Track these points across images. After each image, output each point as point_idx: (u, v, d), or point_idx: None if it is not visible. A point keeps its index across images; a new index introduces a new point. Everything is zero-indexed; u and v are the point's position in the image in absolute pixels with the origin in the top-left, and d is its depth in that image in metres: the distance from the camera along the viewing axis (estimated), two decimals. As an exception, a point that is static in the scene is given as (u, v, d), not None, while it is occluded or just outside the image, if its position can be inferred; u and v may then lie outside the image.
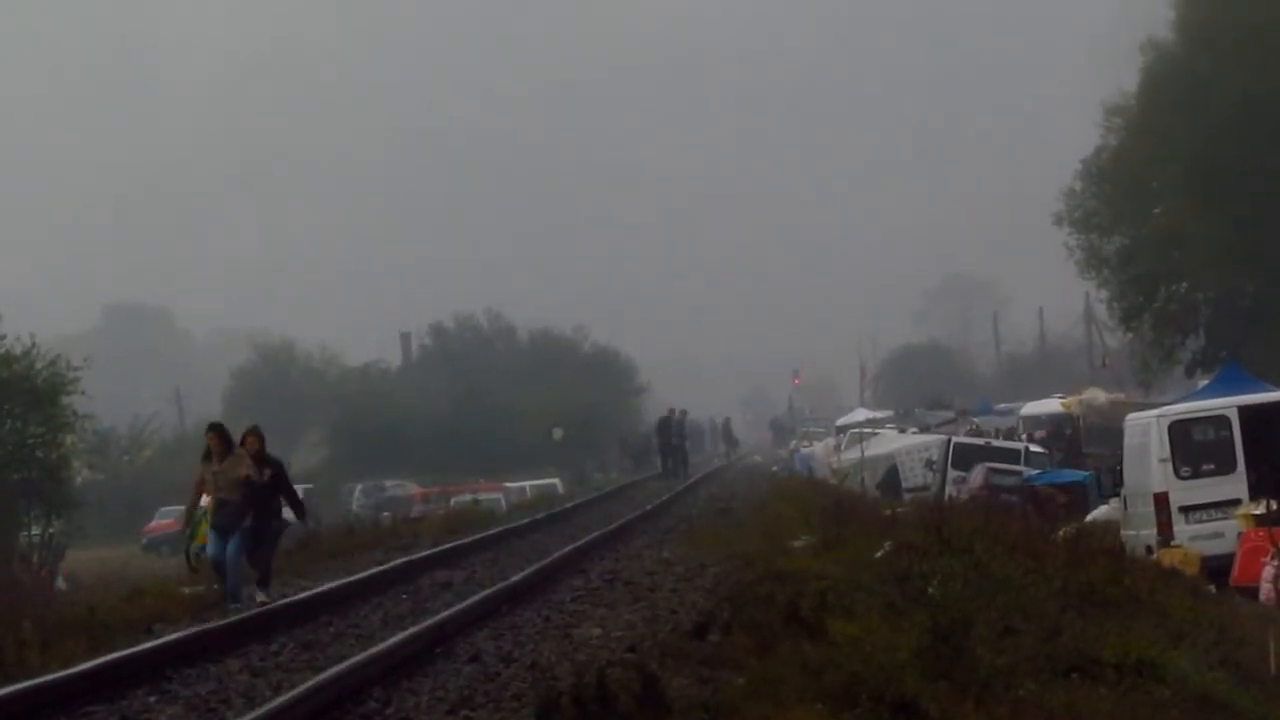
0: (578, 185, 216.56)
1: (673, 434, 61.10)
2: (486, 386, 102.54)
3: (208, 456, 21.63)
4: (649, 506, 38.24)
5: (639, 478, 64.72)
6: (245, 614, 19.14)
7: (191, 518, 22.43)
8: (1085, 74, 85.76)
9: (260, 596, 21.10)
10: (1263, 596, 23.25)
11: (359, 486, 79.87)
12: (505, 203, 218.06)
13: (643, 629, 16.51)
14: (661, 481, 56.41)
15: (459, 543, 29.33)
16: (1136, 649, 15.37)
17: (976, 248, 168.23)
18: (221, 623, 18.19)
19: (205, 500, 22.03)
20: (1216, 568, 24.84)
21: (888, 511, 30.62)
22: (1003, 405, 72.84)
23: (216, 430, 22.05)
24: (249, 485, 21.31)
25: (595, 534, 29.47)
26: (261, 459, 21.87)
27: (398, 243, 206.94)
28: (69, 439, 46.11)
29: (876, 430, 60.67)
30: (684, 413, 63.88)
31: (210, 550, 21.50)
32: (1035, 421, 60.89)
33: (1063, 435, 53.22)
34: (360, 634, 17.63)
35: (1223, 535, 25.81)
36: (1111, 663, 14.81)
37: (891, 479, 50.03)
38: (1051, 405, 65.29)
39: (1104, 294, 60.58)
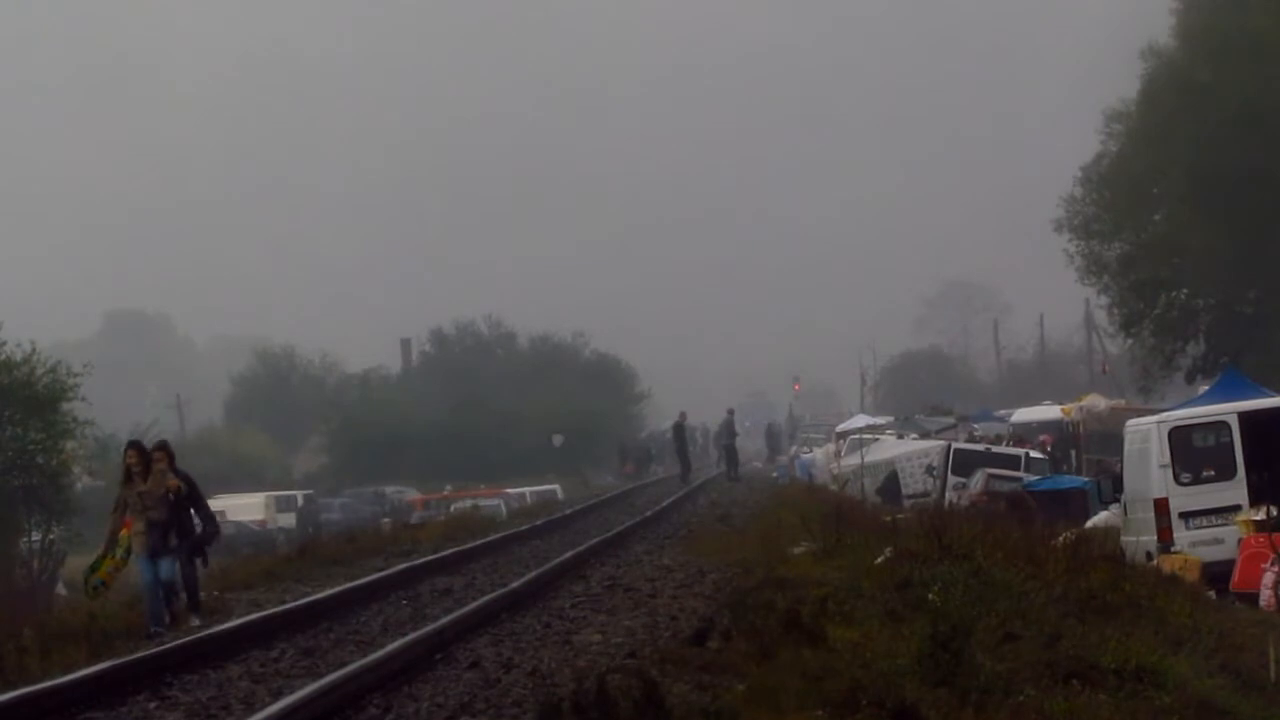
0: (578, 191, 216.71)
1: (723, 435, 61.79)
2: (487, 392, 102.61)
3: (128, 478, 20.91)
4: (649, 513, 38.23)
5: (639, 483, 64.74)
6: (198, 634, 18.31)
7: (114, 543, 21.36)
8: (1086, 81, 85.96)
9: (193, 620, 20.35)
10: (1263, 602, 23.25)
11: (337, 502, 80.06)
12: (506, 209, 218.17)
13: (643, 635, 16.51)
14: (663, 486, 56.45)
15: (459, 549, 29.33)
16: (1137, 655, 15.38)
17: (977, 254, 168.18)
18: (222, 627, 18.18)
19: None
20: (1217, 574, 24.82)
21: (888, 518, 30.61)
22: (1002, 411, 72.89)
23: (137, 448, 21.28)
24: (174, 500, 20.75)
25: (595, 540, 29.47)
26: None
27: (399, 249, 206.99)
28: (69, 445, 46.15)
29: (877, 436, 60.66)
30: (731, 412, 64.17)
31: (146, 577, 20.66)
32: (1027, 428, 60.94)
33: (1065, 440, 53.16)
34: (361, 640, 17.62)
35: (1223, 541, 25.78)
36: (1112, 669, 14.83)
37: (891, 485, 50.02)
38: (1043, 411, 65.35)
39: (1104, 300, 60.69)
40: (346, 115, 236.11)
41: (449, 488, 76.41)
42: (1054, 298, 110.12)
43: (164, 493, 20.78)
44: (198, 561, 21.33)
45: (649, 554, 27.19)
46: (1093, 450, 47.98)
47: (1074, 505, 36.08)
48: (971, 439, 54.29)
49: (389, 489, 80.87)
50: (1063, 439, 53.25)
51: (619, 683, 12.38)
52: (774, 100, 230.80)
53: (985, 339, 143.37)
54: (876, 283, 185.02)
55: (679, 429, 60.84)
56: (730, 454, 60.95)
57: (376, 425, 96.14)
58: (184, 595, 20.96)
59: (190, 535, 21.21)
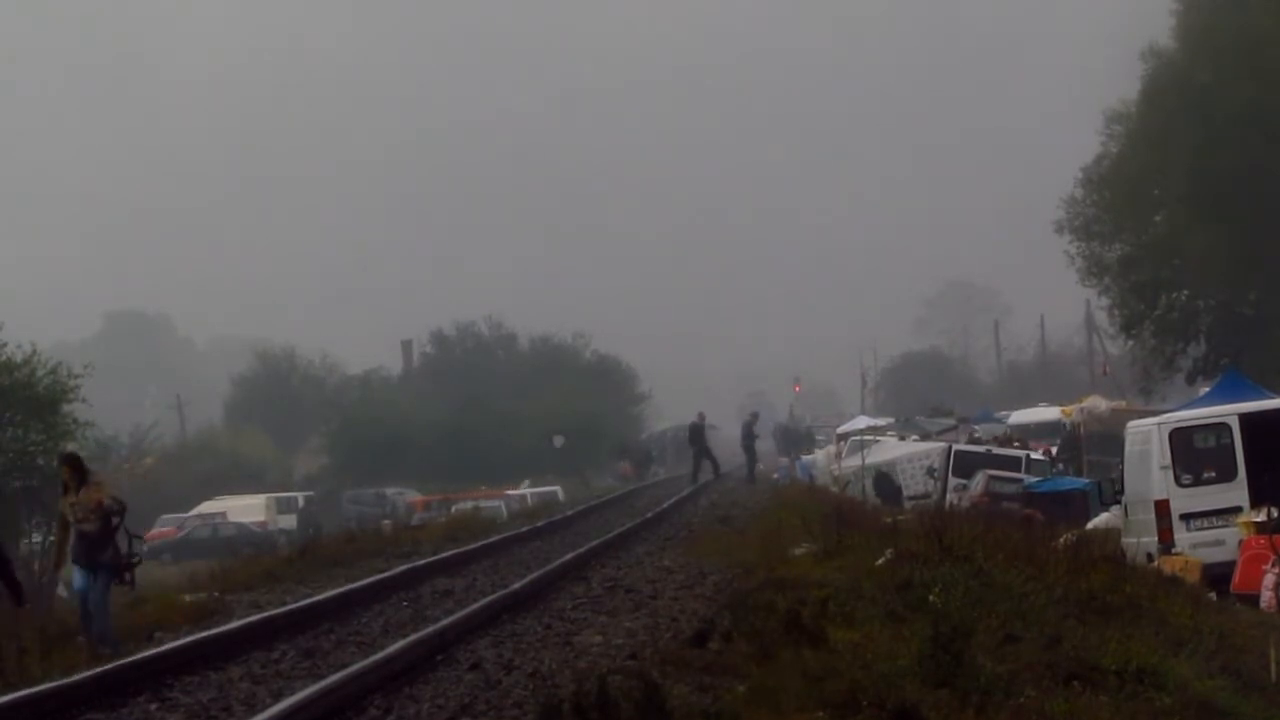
0: (579, 194, 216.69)
1: (742, 436, 61.65)
2: (487, 394, 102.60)
3: (66, 489, 20.63)
4: (649, 514, 38.21)
5: (641, 485, 64.76)
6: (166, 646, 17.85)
7: (63, 554, 21.04)
8: (1086, 81, 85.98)
9: (102, 649, 19.24)
10: (1263, 604, 23.24)
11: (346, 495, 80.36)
12: (507, 210, 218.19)
13: (644, 637, 16.52)
14: (663, 488, 56.42)
15: (460, 550, 29.33)
16: (1137, 656, 15.37)
17: (977, 255, 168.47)
18: (223, 629, 18.18)
19: None
20: (1217, 575, 24.80)
21: (888, 519, 30.61)
22: (1003, 412, 72.97)
23: (68, 462, 21.01)
24: (106, 514, 20.36)
25: (596, 541, 29.47)
26: None
27: (399, 250, 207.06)
28: (70, 446, 46.09)
29: (878, 437, 60.65)
30: (755, 415, 64.14)
31: (76, 585, 20.39)
32: (1024, 429, 60.93)
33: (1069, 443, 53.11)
34: (361, 641, 17.63)
35: (1223, 543, 25.76)
36: (1112, 670, 14.81)
37: (883, 484, 50.11)
38: (1041, 413, 65.38)
39: (1105, 301, 60.71)
40: (348, 116, 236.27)
41: (527, 482, 76.83)
42: (1055, 299, 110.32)
43: (95, 504, 20.37)
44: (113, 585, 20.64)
45: (650, 555, 27.20)
46: (1093, 452, 47.96)
47: (1075, 506, 36.10)
48: (972, 440, 54.28)
49: (389, 490, 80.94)
50: (1065, 441, 53.22)
51: (620, 684, 12.38)
52: (775, 101, 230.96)
53: (986, 340, 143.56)
54: (877, 283, 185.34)
55: (696, 430, 60.50)
56: (750, 455, 60.97)
57: (377, 426, 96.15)
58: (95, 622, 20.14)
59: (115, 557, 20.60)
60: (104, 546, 20.38)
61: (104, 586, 20.31)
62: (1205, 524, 26.25)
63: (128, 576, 21.01)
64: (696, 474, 57.42)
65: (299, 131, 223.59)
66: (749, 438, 61.04)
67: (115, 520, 20.58)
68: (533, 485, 76.10)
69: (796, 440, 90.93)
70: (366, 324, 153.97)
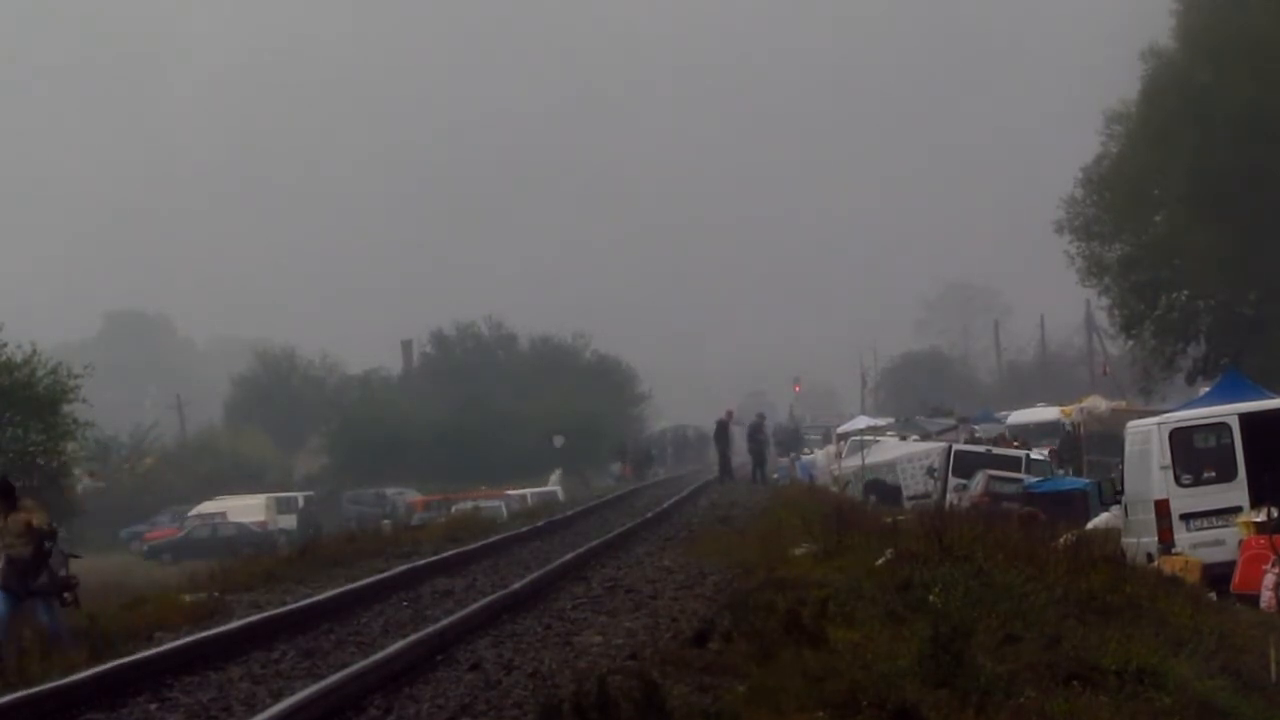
0: (579, 194, 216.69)
1: (751, 437, 62.02)
2: (487, 394, 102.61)
3: None
4: (649, 514, 38.22)
5: (639, 485, 64.77)
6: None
7: None
8: (1086, 82, 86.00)
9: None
10: (1263, 604, 23.25)
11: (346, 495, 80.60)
12: (507, 209, 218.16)
13: (644, 637, 16.51)
14: (663, 488, 56.50)
15: (460, 550, 29.32)
16: (1137, 656, 15.37)
17: (977, 255, 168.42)
18: (223, 629, 18.18)
19: None
20: (1217, 575, 24.82)
21: (889, 519, 30.61)
22: (1002, 413, 72.95)
23: None
24: (40, 537, 20.22)
25: (596, 541, 29.47)
26: None
27: (399, 249, 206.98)
28: (70, 447, 46.16)
29: (877, 437, 60.67)
30: (761, 416, 64.48)
31: (1, 612, 20.21)
32: (1024, 429, 60.93)
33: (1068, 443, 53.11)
34: (361, 641, 17.62)
35: (1223, 543, 25.77)
36: (1112, 670, 14.81)
37: (875, 486, 50.15)
38: (1039, 413, 65.35)
39: (1105, 301, 60.73)
40: (347, 116, 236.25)
41: (558, 473, 77.45)
42: (1055, 299, 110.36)
43: (24, 527, 20.24)
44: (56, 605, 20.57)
45: (650, 555, 27.20)
46: (1093, 452, 47.95)
47: (1075, 507, 36.10)
48: (971, 440, 54.27)
49: (390, 490, 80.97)
50: (1065, 441, 53.22)
51: (620, 684, 12.39)
52: (775, 101, 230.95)
53: (986, 340, 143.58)
54: (877, 284, 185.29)
55: (722, 426, 60.75)
56: (757, 456, 61.11)
57: (377, 426, 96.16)
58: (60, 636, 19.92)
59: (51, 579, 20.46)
60: (36, 572, 20.27)
61: (48, 607, 20.26)
62: (1205, 524, 26.26)
63: (69, 597, 20.93)
64: (729, 468, 58.31)
65: (299, 131, 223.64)
66: (755, 439, 61.17)
67: (48, 544, 20.44)
68: (562, 478, 76.60)
69: (794, 441, 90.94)
70: (366, 324, 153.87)
